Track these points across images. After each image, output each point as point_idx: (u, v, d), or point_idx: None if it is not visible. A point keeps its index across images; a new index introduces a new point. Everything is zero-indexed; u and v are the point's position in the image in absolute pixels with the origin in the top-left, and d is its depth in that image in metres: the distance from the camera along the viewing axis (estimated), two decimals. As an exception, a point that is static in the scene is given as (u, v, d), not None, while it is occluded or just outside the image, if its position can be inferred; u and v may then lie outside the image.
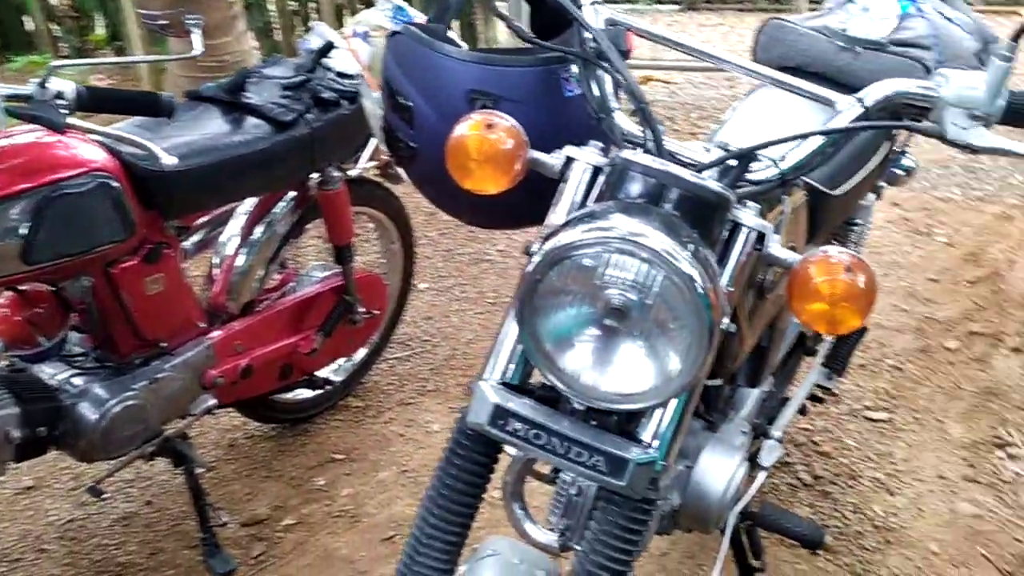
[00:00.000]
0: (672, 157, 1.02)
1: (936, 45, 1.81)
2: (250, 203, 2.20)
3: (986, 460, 2.31)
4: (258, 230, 2.19)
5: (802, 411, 2.12)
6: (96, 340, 1.88)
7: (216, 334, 2.07)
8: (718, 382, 1.51)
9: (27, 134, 1.61)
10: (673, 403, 1.00)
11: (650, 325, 0.90)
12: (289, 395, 2.48)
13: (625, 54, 1.10)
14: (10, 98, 1.47)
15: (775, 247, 1.00)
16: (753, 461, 1.72)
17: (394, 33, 1.21)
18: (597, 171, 1.04)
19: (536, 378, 1.08)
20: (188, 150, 1.80)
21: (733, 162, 1.01)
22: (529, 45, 1.12)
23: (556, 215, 1.04)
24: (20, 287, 1.74)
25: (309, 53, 2.19)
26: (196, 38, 1.95)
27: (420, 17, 1.88)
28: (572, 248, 0.89)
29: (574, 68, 1.13)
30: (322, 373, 2.47)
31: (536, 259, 0.91)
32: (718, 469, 1.44)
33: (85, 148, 1.68)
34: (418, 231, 2.90)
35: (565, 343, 0.93)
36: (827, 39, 1.80)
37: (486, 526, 1.83)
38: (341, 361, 2.58)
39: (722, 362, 1.21)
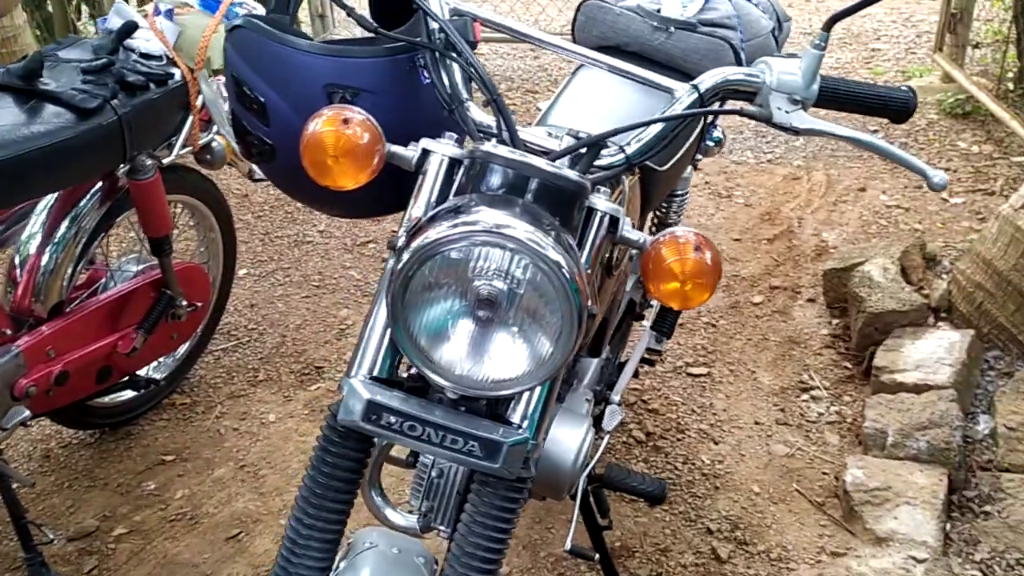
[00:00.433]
0: (525, 147, 1.05)
1: (739, 25, 1.94)
2: (51, 197, 2.04)
3: (794, 404, 2.54)
4: (63, 226, 2.03)
5: (635, 374, 2.24)
6: None
7: (24, 340, 1.91)
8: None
9: None
10: (544, 386, 1.04)
11: (521, 313, 0.93)
12: (108, 398, 2.34)
13: (473, 44, 1.11)
14: None
15: (627, 230, 1.05)
16: (596, 426, 1.80)
17: (234, 27, 1.15)
18: (454, 162, 1.05)
19: (402, 370, 1.08)
20: (-16, 143, 1.64)
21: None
22: (374, 35, 1.11)
23: (416, 207, 1.04)
24: None
25: (109, 34, 2.04)
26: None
27: (258, 8, 1.80)
28: (441, 244, 0.90)
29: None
30: (143, 372, 2.34)
31: (405, 256, 0.91)
32: (568, 438, 1.50)
33: None
34: (233, 215, 2.79)
35: (440, 336, 0.94)
36: (642, 19, 1.88)
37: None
38: (162, 358, 2.46)
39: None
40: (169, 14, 2.14)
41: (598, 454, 1.71)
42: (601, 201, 1.04)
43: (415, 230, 0.93)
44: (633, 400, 2.51)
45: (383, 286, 0.99)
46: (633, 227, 1.09)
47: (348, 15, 1.09)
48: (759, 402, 2.54)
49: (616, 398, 1.82)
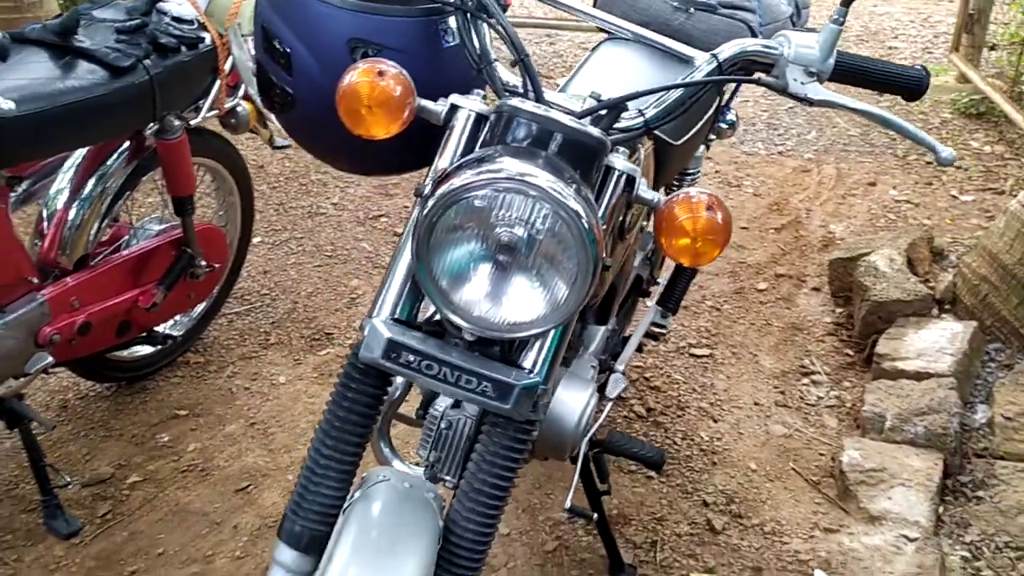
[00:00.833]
0: (551, 106, 1.10)
1: (758, 8, 1.98)
2: (80, 153, 2.09)
3: (794, 387, 2.59)
4: (91, 182, 2.09)
5: (639, 348, 2.29)
6: (-83, 297, 1.75)
7: (49, 290, 1.97)
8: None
9: None
10: (554, 333, 1.09)
11: (540, 259, 0.98)
12: (126, 352, 2.39)
13: (504, 7, 1.16)
14: None
15: (643, 189, 1.10)
16: (600, 393, 1.85)
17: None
18: (480, 119, 1.10)
19: (422, 315, 1.14)
20: (21, 95, 1.69)
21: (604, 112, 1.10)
22: (407, -6, 1.16)
23: (443, 159, 1.09)
24: None
25: (142, -5, 2.09)
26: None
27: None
28: (466, 190, 0.95)
29: (451, 21, 1.18)
30: (161, 328, 2.40)
31: (431, 201, 0.96)
32: (572, 400, 1.55)
33: (-96, 90, 1.54)
34: (251, 183, 2.84)
35: (460, 278, 1.00)
36: (663, 0, 1.93)
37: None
38: (179, 316, 2.52)
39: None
40: (200, -21, 2.19)
41: (600, 420, 1.77)
42: (619, 160, 1.09)
43: (441, 178, 0.98)
44: (636, 377, 2.57)
45: (408, 232, 1.04)
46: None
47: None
48: (759, 384, 2.59)
49: (620, 368, 1.87)
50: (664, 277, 2.22)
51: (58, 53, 1.90)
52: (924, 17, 6.15)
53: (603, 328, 1.79)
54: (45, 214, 2.06)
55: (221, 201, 2.61)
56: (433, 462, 1.33)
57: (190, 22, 2.12)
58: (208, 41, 2.11)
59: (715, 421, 2.43)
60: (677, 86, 1.12)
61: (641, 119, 1.13)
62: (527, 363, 1.09)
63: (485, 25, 1.14)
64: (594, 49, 1.81)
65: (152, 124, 2.07)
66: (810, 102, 1.13)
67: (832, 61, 1.14)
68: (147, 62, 1.97)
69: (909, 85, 1.19)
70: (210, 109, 2.18)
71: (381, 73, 1.04)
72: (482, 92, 1.12)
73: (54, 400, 2.40)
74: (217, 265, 2.42)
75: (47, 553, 1.93)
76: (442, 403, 1.36)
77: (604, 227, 1.10)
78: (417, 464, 1.34)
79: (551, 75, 5.03)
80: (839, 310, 2.93)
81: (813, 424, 2.43)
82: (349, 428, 1.11)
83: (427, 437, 1.35)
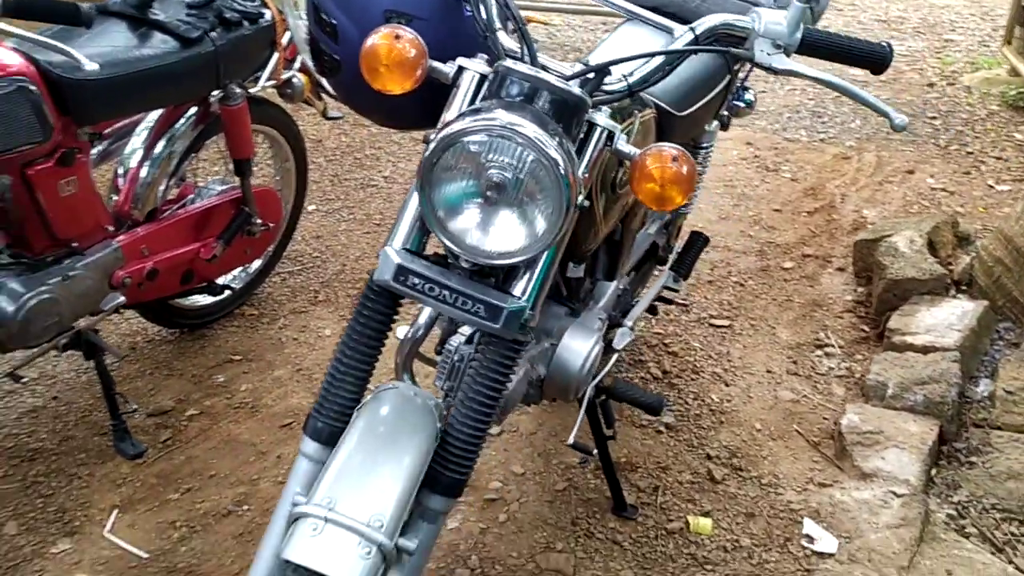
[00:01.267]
0: (544, 68, 1.27)
1: (774, -5, 2.12)
2: (152, 117, 2.33)
3: (807, 358, 2.72)
4: (161, 144, 2.32)
5: (653, 311, 2.45)
6: (10, 238, 2.00)
7: (123, 238, 2.21)
8: (580, 273, 1.80)
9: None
10: (540, 265, 1.27)
11: (523, 197, 1.16)
12: (189, 300, 2.64)
13: (508, -15, 1.33)
14: (-60, 0, 1.57)
15: (621, 143, 1.27)
16: (609, 346, 2.02)
17: (317, -41, 1.40)
18: (483, 79, 1.28)
19: (430, 249, 1.33)
20: (104, 60, 1.93)
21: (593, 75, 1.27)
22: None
23: (450, 113, 1.27)
24: (-60, 182, 1.84)
25: (211, -26, 2.32)
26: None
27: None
28: (463, 134, 1.14)
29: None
30: (221, 280, 2.63)
31: (433, 143, 1.14)
32: (578, 347, 1.73)
33: (4, 53, 1.79)
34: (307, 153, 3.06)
35: (455, 210, 1.18)
36: (681, -16, 2.08)
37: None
38: (238, 271, 2.75)
39: (581, 241, 1.48)
40: (264, -39, 2.41)
41: (607, 368, 1.94)
42: (600, 117, 1.26)
43: (444, 126, 1.17)
44: (655, 343, 2.72)
45: (418, 172, 1.22)
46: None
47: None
48: (774, 354, 2.72)
49: (629, 323, 2.03)
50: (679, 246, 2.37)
51: (136, 24, 2.14)
52: (985, 11, 6.11)
53: (613, 285, 1.96)
54: (121, 171, 2.31)
55: (277, 166, 2.84)
56: (447, 390, 1.52)
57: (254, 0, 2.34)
58: (268, 17, 2.33)
59: (727, 385, 2.57)
60: (655, 54, 1.29)
61: (624, 83, 1.30)
62: (517, 291, 1.27)
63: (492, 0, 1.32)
64: (616, 28, 1.98)
65: (216, 91, 2.30)
66: (775, 71, 1.28)
67: (799, 36, 1.28)
68: (213, 34, 2.20)
69: (873, 59, 1.33)
70: (268, 79, 2.41)
71: (398, 37, 1.22)
72: (486, 56, 1.30)
73: (125, 342, 2.66)
74: (272, 224, 2.65)
75: (115, 471, 2.18)
76: (456, 340, 1.55)
77: (587, 175, 1.27)
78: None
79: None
80: (860, 289, 3.04)
81: (821, 392, 2.56)
82: (364, 341, 1.30)
83: (443, 369, 1.55)
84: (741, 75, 2.22)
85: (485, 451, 2.26)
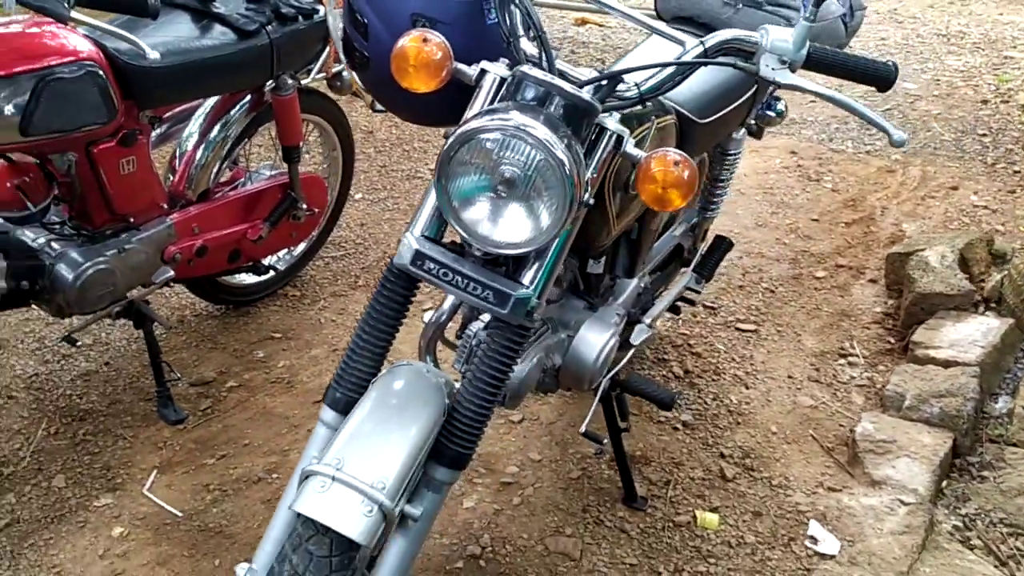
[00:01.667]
0: (561, 75, 1.36)
1: (804, 4, 2.17)
2: (209, 104, 2.47)
3: (830, 366, 2.76)
4: (216, 129, 2.46)
5: (676, 311, 2.52)
6: (73, 211, 2.15)
7: (176, 216, 2.35)
8: (599, 269, 1.88)
9: (31, 24, 1.87)
10: (548, 257, 1.36)
11: (530, 192, 1.25)
12: (235, 279, 2.78)
13: (530, -6, 1.42)
14: (20, -11, 1.72)
15: (629, 147, 1.35)
16: (627, 342, 2.11)
17: (354, -37, 1.51)
18: (503, 81, 1.37)
19: (447, 237, 1.42)
20: (166, 49, 2.06)
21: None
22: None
23: (471, 112, 1.36)
24: (12, 156, 2.00)
25: (270, -29, 2.45)
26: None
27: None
28: (479, 132, 1.23)
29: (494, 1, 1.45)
30: (266, 261, 2.77)
31: (451, 139, 1.24)
32: (593, 339, 1.82)
33: (76, 40, 1.93)
34: (356, 147, 3.19)
35: (468, 202, 1.28)
36: (715, -5, 2.15)
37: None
38: (283, 253, 2.89)
39: (594, 238, 1.57)
40: (320, -41, 2.54)
41: (622, 363, 2.02)
42: (610, 122, 1.34)
43: (462, 124, 1.26)
44: (679, 343, 2.79)
45: (436, 164, 1.31)
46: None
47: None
48: (797, 360, 2.77)
49: (647, 320, 2.11)
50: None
51: (198, 16, 2.27)
52: (1049, 28, 6.02)
53: (632, 282, 2.04)
54: (178, 153, 2.45)
55: (325, 155, 2.97)
56: (465, 372, 1.62)
57: (308, -5, 2.46)
58: (322, 13, 2.45)
59: (747, 388, 2.63)
60: (665, 64, 1.36)
61: (636, 90, 1.38)
62: (526, 280, 1.36)
63: (515, 7, 1.41)
64: (644, 40, 2.06)
65: (270, 81, 2.43)
66: (779, 85, 1.35)
67: (804, 52, 1.35)
68: (269, 28, 2.33)
69: (877, 77, 1.39)
70: (319, 72, 2.54)
71: (426, 40, 1.32)
72: (508, 60, 1.39)
73: (174, 314, 2.81)
74: (317, 210, 2.78)
75: (157, 434, 2.32)
76: (475, 326, 1.65)
77: (595, 175, 1.35)
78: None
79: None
80: (890, 302, 3.06)
81: (840, 400, 2.60)
82: (382, 320, 1.41)
83: (462, 352, 1.66)
84: (770, 87, 2.27)
85: (504, 437, 2.36)
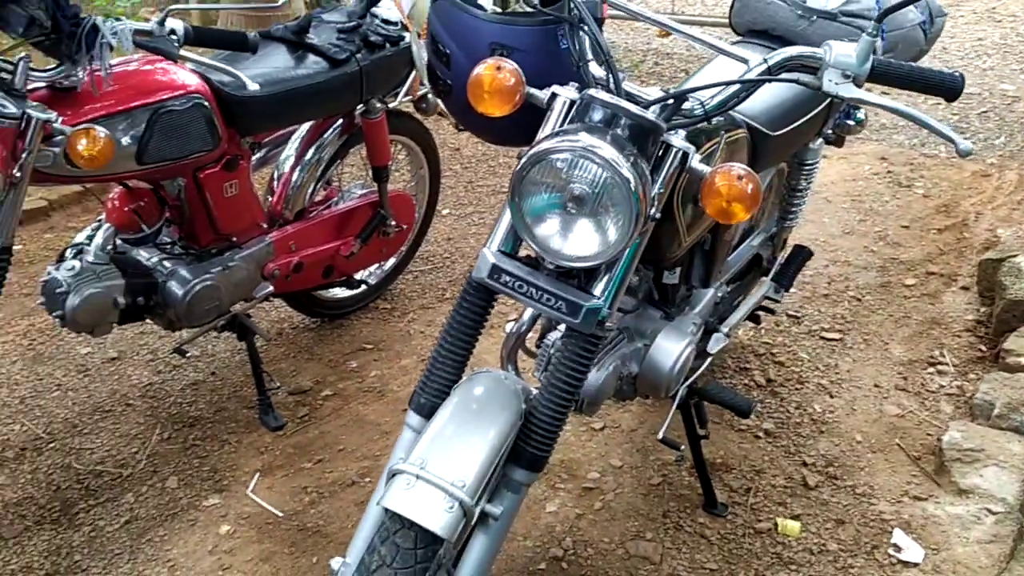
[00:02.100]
0: (628, 96, 1.42)
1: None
2: (304, 128, 2.63)
3: (918, 375, 2.72)
4: (310, 152, 2.62)
5: (756, 320, 2.54)
6: (182, 232, 2.33)
7: (275, 234, 2.51)
8: (675, 280, 1.94)
9: (145, 62, 2.05)
10: (618, 269, 1.42)
11: (598, 209, 1.32)
12: (330, 293, 2.93)
13: (600, 21, 1.49)
14: (136, 32, 1.88)
15: (695, 162, 1.41)
16: (705, 351, 2.14)
17: (435, 0, 1.61)
18: (573, 103, 1.44)
19: (522, 252, 1.51)
20: (264, 80, 2.22)
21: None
22: (532, 10, 1.53)
23: (543, 134, 1.44)
24: (129, 184, 2.18)
25: (360, 2, 2.60)
26: (279, -9, 2.39)
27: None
28: (549, 152, 1.31)
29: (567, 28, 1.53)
30: (358, 276, 2.91)
31: (524, 159, 1.32)
32: (669, 347, 1.87)
33: (184, 75, 2.10)
34: (444, 164, 3.31)
35: (540, 218, 1.35)
36: (789, 8, 2.18)
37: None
38: (374, 267, 3.03)
39: (665, 250, 1.63)
40: (406, -11, 2.67)
41: (699, 371, 2.06)
42: (676, 139, 1.40)
43: (534, 145, 1.34)
44: (762, 351, 2.80)
45: (510, 184, 1.40)
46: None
47: (516, -6, 1.51)
48: (884, 369, 2.74)
49: (724, 329, 2.15)
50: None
51: (293, 48, 2.43)
52: None
53: (709, 292, 2.08)
54: (276, 175, 2.62)
55: (413, 173, 3.10)
56: (541, 379, 1.70)
57: (395, 23, 2.60)
58: (407, 39, 2.57)
59: (831, 396, 2.62)
60: (728, 83, 1.42)
61: (701, 109, 1.44)
62: (597, 291, 1.43)
63: (585, 34, 1.48)
64: (712, 58, 2.10)
65: (360, 105, 2.57)
66: (841, 99, 1.39)
67: (867, 66, 1.38)
68: (358, 56, 2.47)
69: (943, 87, 1.41)
70: (406, 95, 2.66)
71: (499, 68, 1.41)
72: (577, 84, 1.46)
73: (273, 328, 2.97)
74: (405, 226, 2.91)
75: (259, 440, 2.47)
76: (553, 335, 1.73)
77: (662, 191, 1.42)
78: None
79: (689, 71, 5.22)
80: (983, 309, 3.00)
81: (928, 408, 2.57)
82: (463, 330, 1.50)
83: (541, 361, 1.74)
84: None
85: (586, 443, 2.42)
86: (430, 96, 2.72)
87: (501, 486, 1.47)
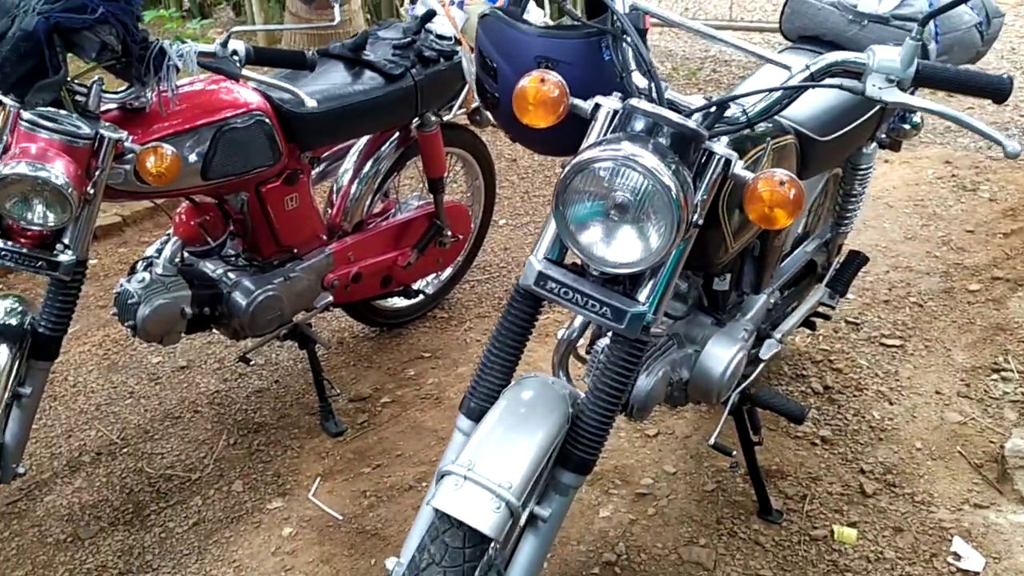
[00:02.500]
0: (671, 104, 1.45)
1: (935, 18, 2.16)
2: (361, 142, 2.70)
3: (981, 382, 2.67)
4: (368, 165, 2.69)
5: (811, 326, 2.52)
6: (246, 244, 2.42)
7: (334, 246, 2.58)
8: (725, 286, 1.94)
9: (210, 82, 2.14)
10: (662, 275, 1.44)
11: (640, 216, 1.34)
12: (388, 303, 3.00)
13: (642, 32, 1.52)
14: (200, 54, 1.97)
15: (738, 168, 1.42)
16: (758, 357, 2.14)
17: (484, 15, 1.66)
18: (616, 113, 1.47)
19: (568, 259, 1.54)
20: (322, 96, 2.30)
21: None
22: (576, 22, 1.56)
23: (586, 144, 1.48)
24: (195, 199, 2.28)
25: (415, 19, 2.66)
26: (336, 10, 2.47)
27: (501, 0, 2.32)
28: (592, 161, 1.34)
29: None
30: (416, 286, 2.97)
31: (567, 169, 1.36)
32: (720, 353, 1.88)
33: (246, 93, 2.19)
34: (500, 175, 3.36)
35: (584, 226, 1.38)
36: (840, 13, 2.17)
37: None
38: (431, 277, 3.09)
39: (711, 256, 1.64)
40: (460, 4, 2.72)
41: (751, 377, 2.06)
42: (719, 146, 1.42)
43: (577, 154, 1.38)
44: (819, 359, 2.78)
45: (554, 192, 1.43)
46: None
47: (561, 7, 1.54)
48: (946, 376, 2.69)
49: (777, 336, 2.14)
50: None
51: (350, 64, 2.51)
52: None
53: (761, 298, 2.08)
54: (334, 188, 2.69)
55: (468, 184, 3.15)
56: (588, 383, 1.73)
57: (449, 39, 2.66)
58: (461, 54, 2.63)
59: (890, 404, 2.59)
60: (770, 90, 1.43)
61: (744, 116, 1.45)
62: (641, 297, 1.45)
63: (627, 45, 1.51)
64: (760, 67, 2.11)
65: (415, 119, 2.64)
66: (885, 104, 1.39)
67: (912, 70, 1.38)
68: (413, 71, 2.53)
69: (991, 89, 1.40)
70: (460, 108, 2.72)
71: (543, 80, 1.44)
72: (620, 94, 1.49)
73: (334, 337, 3.05)
74: (461, 236, 2.96)
75: (320, 445, 2.54)
76: (603, 342, 1.75)
77: (705, 198, 1.43)
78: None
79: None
80: (1051, 314, 2.93)
81: (991, 416, 2.51)
82: (511, 336, 1.53)
83: (591, 367, 1.76)
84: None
85: (640, 450, 2.43)
86: (483, 109, 2.77)
87: (550, 489, 1.50)
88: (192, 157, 2.08)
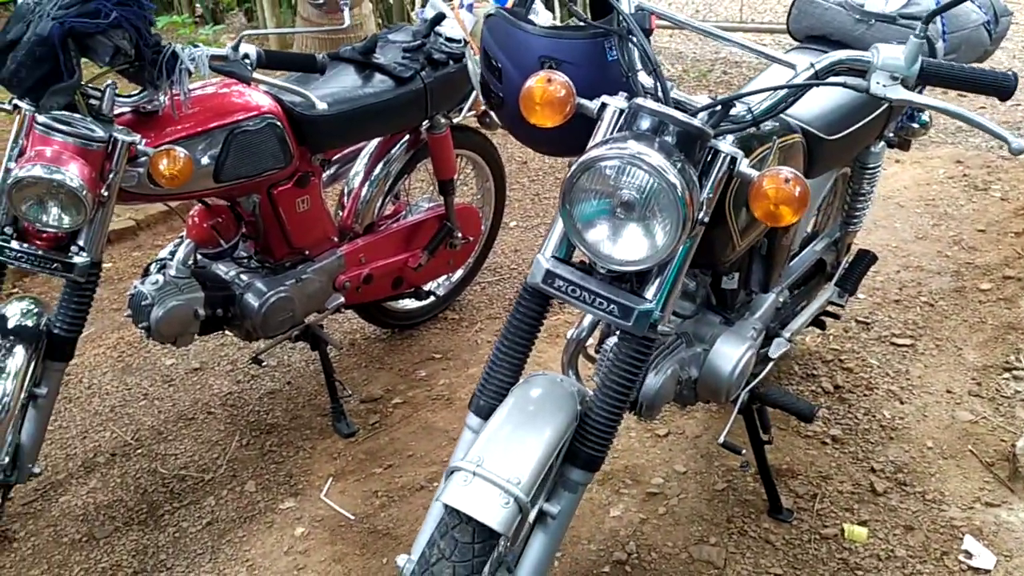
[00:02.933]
0: (677, 103, 1.46)
1: (942, 17, 2.16)
2: (372, 145, 2.72)
3: (993, 380, 2.66)
4: (378, 167, 2.71)
5: (821, 326, 2.52)
6: (258, 246, 2.44)
7: (345, 247, 2.60)
8: (734, 285, 1.95)
9: (221, 85, 2.17)
10: (669, 273, 1.45)
11: (646, 214, 1.35)
12: (399, 304, 3.02)
13: (647, 32, 1.53)
14: (212, 57, 2.00)
15: (743, 166, 1.43)
16: (767, 356, 2.15)
17: (489, 15, 1.67)
18: (622, 112, 1.48)
19: (576, 258, 1.55)
20: (333, 99, 2.32)
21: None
22: (582, 23, 1.58)
23: (592, 143, 1.49)
24: (208, 201, 2.30)
25: (424, 22, 2.68)
26: (346, 14, 2.50)
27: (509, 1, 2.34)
28: (598, 160, 1.35)
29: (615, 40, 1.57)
30: (427, 287, 2.98)
31: (573, 168, 1.37)
32: (728, 352, 1.89)
33: (258, 96, 2.22)
34: (511, 178, 3.38)
35: (590, 224, 1.40)
36: (847, 12, 2.18)
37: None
38: (442, 279, 3.11)
39: (719, 254, 1.65)
40: (470, 7, 2.75)
41: (761, 376, 2.07)
42: (724, 144, 1.43)
43: (583, 153, 1.39)
44: (830, 358, 2.78)
45: (560, 191, 1.44)
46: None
47: (567, 8, 1.56)
48: (957, 375, 2.69)
49: (786, 334, 2.15)
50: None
51: (360, 67, 2.53)
52: None
53: (769, 297, 2.09)
54: (346, 190, 2.72)
55: (478, 186, 3.17)
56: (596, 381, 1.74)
57: (458, 41, 2.67)
58: (468, 57, 2.65)
59: (901, 403, 2.58)
60: (774, 88, 1.44)
61: (749, 114, 1.46)
62: (648, 295, 1.46)
63: (633, 45, 1.52)
64: (769, 66, 2.11)
65: (425, 121, 2.66)
66: (889, 100, 1.39)
67: (916, 68, 1.39)
68: (423, 73, 2.55)
69: (996, 86, 1.40)
70: (469, 110, 2.74)
71: (550, 80, 1.46)
72: (626, 93, 1.50)
73: (346, 338, 3.07)
74: (472, 238, 2.97)
75: (332, 446, 2.56)
76: (611, 340, 1.76)
77: (711, 196, 1.44)
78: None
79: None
80: (1063, 313, 2.92)
81: (1003, 414, 2.51)
82: (519, 333, 1.55)
83: (600, 366, 1.77)
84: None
85: (650, 449, 2.44)
86: (488, 109, 2.79)
87: (559, 486, 1.51)
88: (204, 160, 2.10)
